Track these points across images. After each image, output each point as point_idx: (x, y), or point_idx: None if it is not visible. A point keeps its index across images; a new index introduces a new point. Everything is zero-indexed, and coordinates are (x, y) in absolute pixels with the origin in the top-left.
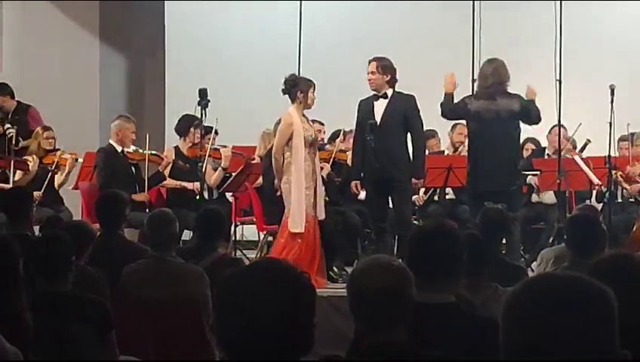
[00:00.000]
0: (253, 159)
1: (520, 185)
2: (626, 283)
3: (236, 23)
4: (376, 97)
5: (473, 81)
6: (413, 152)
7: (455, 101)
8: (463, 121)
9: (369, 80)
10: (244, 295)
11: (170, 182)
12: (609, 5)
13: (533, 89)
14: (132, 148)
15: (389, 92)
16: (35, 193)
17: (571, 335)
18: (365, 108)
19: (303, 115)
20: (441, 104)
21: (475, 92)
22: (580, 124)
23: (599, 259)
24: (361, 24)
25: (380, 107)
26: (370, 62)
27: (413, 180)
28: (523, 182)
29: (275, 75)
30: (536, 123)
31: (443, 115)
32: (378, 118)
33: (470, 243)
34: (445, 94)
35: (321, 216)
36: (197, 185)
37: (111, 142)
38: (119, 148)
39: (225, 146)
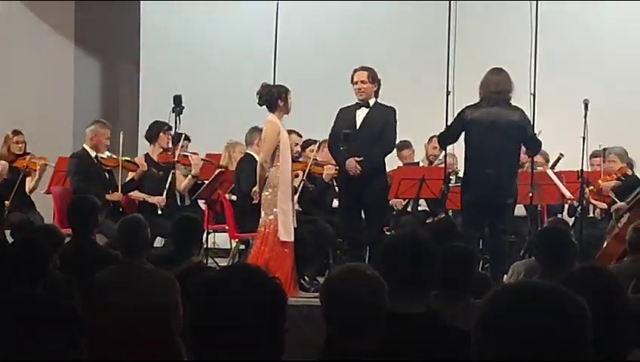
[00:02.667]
0: (223, 168)
1: (516, 199)
2: (597, 297)
3: (211, 25)
4: (358, 106)
5: (448, 93)
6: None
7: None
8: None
9: (359, 89)
10: (217, 297)
11: (135, 195)
12: (584, 18)
13: None
14: (106, 154)
15: (372, 101)
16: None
17: (546, 344)
18: (345, 116)
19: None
20: (438, 140)
21: (479, 100)
22: (561, 154)
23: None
24: (338, 28)
25: (360, 116)
26: (356, 70)
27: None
28: None
29: (250, 79)
30: (536, 153)
31: (443, 146)
32: (358, 127)
33: (447, 255)
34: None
35: (294, 224)
36: (160, 199)
37: (85, 146)
38: (93, 154)
39: (196, 153)
